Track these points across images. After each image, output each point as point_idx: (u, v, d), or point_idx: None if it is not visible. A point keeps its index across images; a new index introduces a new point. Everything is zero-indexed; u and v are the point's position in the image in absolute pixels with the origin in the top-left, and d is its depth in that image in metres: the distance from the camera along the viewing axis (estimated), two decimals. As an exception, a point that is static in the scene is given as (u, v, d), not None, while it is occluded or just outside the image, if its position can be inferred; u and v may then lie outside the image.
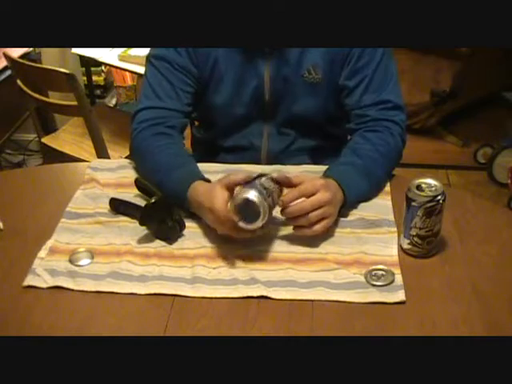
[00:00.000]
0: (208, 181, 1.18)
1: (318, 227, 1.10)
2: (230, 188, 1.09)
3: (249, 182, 1.08)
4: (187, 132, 1.41)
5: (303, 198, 1.10)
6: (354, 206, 1.21)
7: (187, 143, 1.71)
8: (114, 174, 1.34)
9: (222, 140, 1.46)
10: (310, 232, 1.11)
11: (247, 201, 1.03)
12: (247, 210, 1.03)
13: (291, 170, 1.31)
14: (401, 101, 1.35)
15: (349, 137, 1.37)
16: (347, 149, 1.28)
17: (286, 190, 1.13)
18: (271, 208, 1.07)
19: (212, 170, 1.34)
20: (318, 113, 1.39)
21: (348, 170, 1.21)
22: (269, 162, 1.41)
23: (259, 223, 1.04)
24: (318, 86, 1.34)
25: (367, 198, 1.23)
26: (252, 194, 1.03)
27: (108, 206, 1.22)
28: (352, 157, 1.25)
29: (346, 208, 1.18)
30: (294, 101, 1.37)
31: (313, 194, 1.09)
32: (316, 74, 1.33)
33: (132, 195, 1.26)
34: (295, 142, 1.43)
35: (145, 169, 1.29)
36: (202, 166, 1.35)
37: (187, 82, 1.34)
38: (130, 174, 1.33)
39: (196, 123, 1.60)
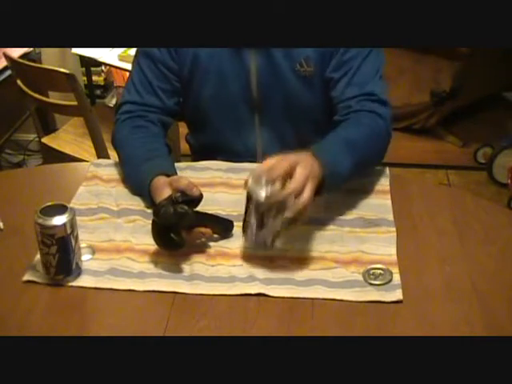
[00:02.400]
0: (169, 175, 1.16)
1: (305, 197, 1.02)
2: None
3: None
4: (185, 146, 1.40)
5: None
6: (338, 180, 1.13)
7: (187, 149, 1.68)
8: (117, 170, 1.34)
9: (216, 142, 1.43)
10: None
11: None
12: None
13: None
14: (385, 96, 1.30)
15: None
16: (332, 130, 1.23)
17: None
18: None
19: (215, 168, 1.34)
20: (317, 108, 1.37)
21: (328, 142, 1.17)
22: None
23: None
24: (312, 80, 1.33)
25: (350, 174, 1.15)
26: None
27: (110, 203, 1.23)
28: (334, 131, 1.21)
29: (328, 181, 1.08)
30: (289, 96, 1.35)
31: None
32: (308, 66, 1.31)
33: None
34: (293, 145, 1.37)
35: (120, 160, 1.32)
36: (204, 164, 1.36)
37: (168, 79, 1.35)
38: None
39: (190, 128, 1.55)
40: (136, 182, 1.24)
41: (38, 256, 1.05)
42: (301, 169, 1.01)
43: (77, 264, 1.05)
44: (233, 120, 1.39)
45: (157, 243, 1.08)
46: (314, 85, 1.34)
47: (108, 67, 3.27)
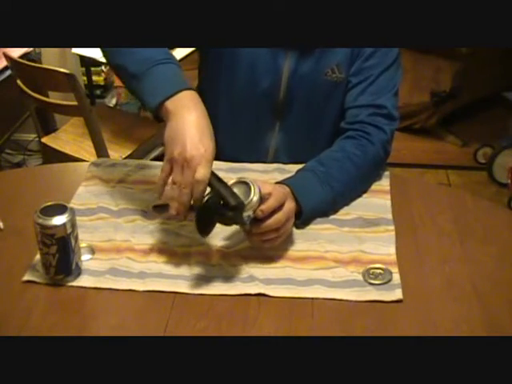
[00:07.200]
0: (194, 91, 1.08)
1: (284, 237, 1.09)
2: None
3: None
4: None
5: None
6: (318, 214, 1.18)
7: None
8: (116, 170, 1.34)
9: (222, 141, 1.42)
10: (279, 242, 1.09)
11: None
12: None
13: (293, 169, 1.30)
14: (396, 112, 1.31)
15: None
16: (318, 156, 1.24)
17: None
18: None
19: (215, 168, 1.34)
20: (337, 114, 1.35)
21: (306, 177, 1.18)
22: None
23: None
24: (339, 86, 1.32)
25: (333, 207, 1.20)
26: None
27: (110, 203, 1.23)
28: (315, 163, 1.21)
29: (305, 216, 1.14)
30: (313, 101, 1.33)
31: (282, 204, 1.07)
32: (340, 73, 1.30)
33: (134, 191, 1.26)
34: (305, 149, 1.34)
35: (118, 60, 1.18)
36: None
37: None
38: (134, 172, 1.33)
39: None
40: (148, 87, 1.09)
41: (38, 256, 1.05)
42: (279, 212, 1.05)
43: (77, 264, 1.05)
44: (249, 118, 1.37)
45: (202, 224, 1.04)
46: (339, 91, 1.33)
47: (108, 67, 3.28)
